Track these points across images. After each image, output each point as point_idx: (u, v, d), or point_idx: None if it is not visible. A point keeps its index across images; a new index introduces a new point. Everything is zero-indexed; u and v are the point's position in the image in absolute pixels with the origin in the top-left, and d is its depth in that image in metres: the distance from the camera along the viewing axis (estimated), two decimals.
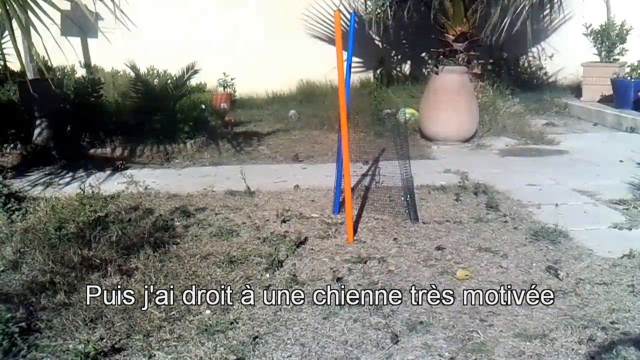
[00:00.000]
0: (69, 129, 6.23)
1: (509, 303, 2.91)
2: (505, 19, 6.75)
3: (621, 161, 5.64)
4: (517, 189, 4.75)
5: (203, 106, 7.57)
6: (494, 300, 2.94)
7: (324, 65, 8.11)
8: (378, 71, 9.55)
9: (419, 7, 7.99)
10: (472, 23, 7.42)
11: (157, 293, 2.99)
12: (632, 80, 7.55)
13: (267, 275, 3.24)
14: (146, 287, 3.03)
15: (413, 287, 3.08)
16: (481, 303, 2.92)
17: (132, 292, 2.99)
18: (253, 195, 4.65)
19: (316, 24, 9.31)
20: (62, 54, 4.75)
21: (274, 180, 5.12)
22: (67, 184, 5.10)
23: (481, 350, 2.52)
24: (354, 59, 8.96)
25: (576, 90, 8.79)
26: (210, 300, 2.94)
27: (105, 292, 3.00)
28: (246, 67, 8.83)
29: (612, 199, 4.44)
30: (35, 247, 3.51)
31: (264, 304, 2.93)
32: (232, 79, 8.79)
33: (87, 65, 8.70)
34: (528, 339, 2.59)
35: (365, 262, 3.40)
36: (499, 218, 4.11)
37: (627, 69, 8.02)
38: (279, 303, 2.93)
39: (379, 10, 8.00)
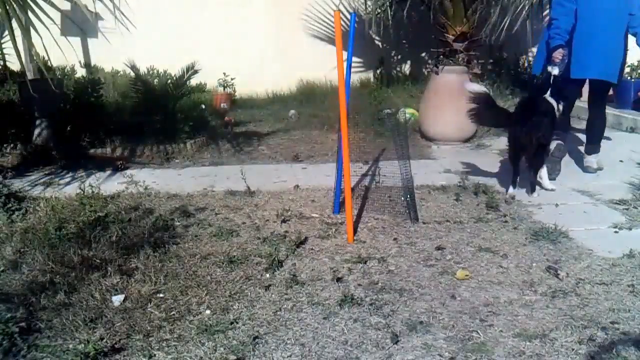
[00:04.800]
0: (69, 129, 6.23)
1: (509, 303, 2.92)
2: (505, 19, 6.75)
3: (621, 161, 5.64)
4: (516, 189, 4.74)
5: (203, 106, 7.58)
6: (494, 300, 2.94)
7: (324, 65, 8.10)
8: (378, 71, 9.55)
9: (418, 7, 8.00)
10: (472, 23, 7.41)
11: (157, 293, 3.00)
12: (632, 80, 7.55)
13: (267, 275, 3.24)
14: (146, 287, 3.04)
15: (413, 287, 3.08)
16: (481, 303, 2.92)
17: (132, 292, 2.99)
18: (253, 195, 4.65)
19: (316, 24, 9.31)
20: (62, 54, 4.76)
21: (274, 180, 5.12)
22: (67, 184, 5.10)
23: (481, 350, 2.52)
24: (354, 59, 8.96)
25: None
26: (210, 300, 2.94)
27: (105, 292, 3.00)
28: (246, 67, 8.83)
29: (612, 199, 4.44)
30: (35, 247, 3.51)
31: (264, 304, 2.93)
32: (232, 79, 8.79)
33: (87, 65, 8.71)
34: (528, 339, 2.59)
35: (365, 262, 3.40)
36: (499, 218, 4.11)
37: (627, 69, 8.02)
38: (279, 303, 2.94)
39: (379, 10, 8.00)
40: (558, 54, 4.71)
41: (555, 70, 4.67)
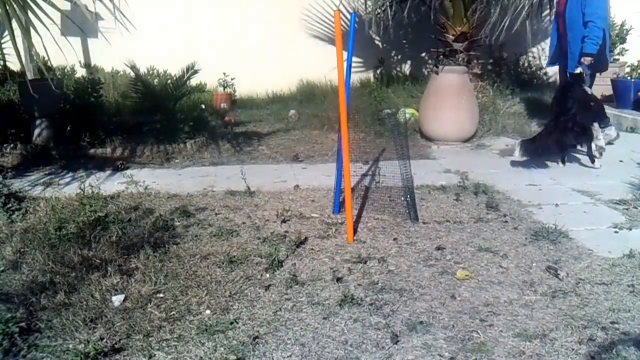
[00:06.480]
0: (69, 129, 6.24)
1: (509, 303, 2.92)
2: (505, 19, 6.75)
3: (621, 161, 5.65)
4: (517, 189, 4.75)
5: (203, 106, 7.59)
6: (494, 300, 2.94)
7: (324, 65, 8.11)
8: (378, 71, 9.55)
9: (419, 7, 8.00)
10: (472, 23, 7.42)
11: (157, 293, 3.00)
12: (632, 80, 7.56)
13: (267, 275, 3.24)
14: (146, 287, 3.04)
15: (413, 287, 3.08)
16: (481, 303, 2.92)
17: (132, 292, 2.99)
18: (253, 195, 4.65)
19: (316, 24, 9.31)
20: (62, 54, 4.75)
21: (274, 180, 5.12)
22: (67, 184, 5.09)
23: (481, 350, 2.52)
24: (354, 59, 8.97)
25: None
26: (210, 300, 2.94)
27: (105, 292, 3.00)
28: (246, 67, 8.83)
29: (612, 199, 4.44)
30: (35, 247, 3.51)
31: (264, 304, 2.93)
32: (232, 79, 8.79)
33: (87, 65, 8.70)
34: (528, 339, 2.59)
35: (365, 262, 3.40)
36: (499, 218, 4.11)
37: (627, 69, 8.04)
38: (279, 303, 2.94)
39: (379, 10, 8.00)
40: None
41: None
